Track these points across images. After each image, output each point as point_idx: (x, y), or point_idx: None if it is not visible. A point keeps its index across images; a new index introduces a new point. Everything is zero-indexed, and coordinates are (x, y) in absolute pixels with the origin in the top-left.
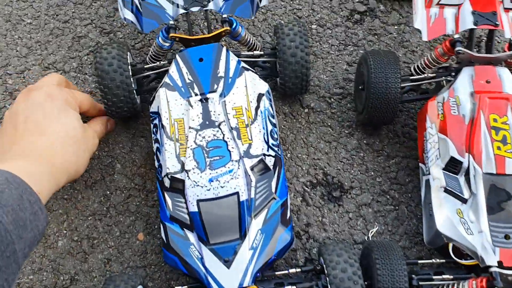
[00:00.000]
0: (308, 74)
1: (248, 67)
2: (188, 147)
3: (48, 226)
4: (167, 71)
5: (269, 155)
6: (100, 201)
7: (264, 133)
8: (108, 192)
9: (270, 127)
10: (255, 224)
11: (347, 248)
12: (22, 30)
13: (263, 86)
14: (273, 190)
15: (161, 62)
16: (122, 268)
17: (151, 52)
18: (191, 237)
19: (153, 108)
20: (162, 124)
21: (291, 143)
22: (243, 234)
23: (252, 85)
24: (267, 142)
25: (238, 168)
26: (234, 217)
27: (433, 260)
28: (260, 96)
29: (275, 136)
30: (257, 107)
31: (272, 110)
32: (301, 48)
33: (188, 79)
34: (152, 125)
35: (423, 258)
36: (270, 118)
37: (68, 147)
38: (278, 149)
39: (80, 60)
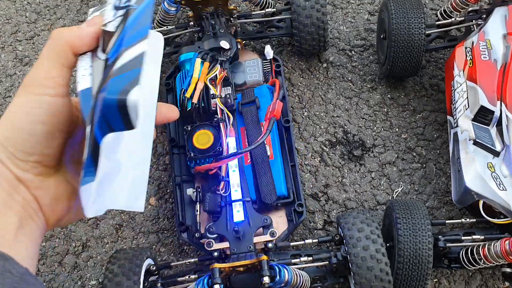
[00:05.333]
0: (326, 35)
1: None
2: None
3: None
4: (175, 37)
5: None
6: None
7: None
8: None
9: None
10: None
11: (369, 221)
12: None
13: None
14: None
15: (169, 27)
16: (134, 233)
17: (158, 18)
18: None
19: None
20: None
21: (309, 100)
22: None
23: None
24: None
25: None
26: None
27: (463, 220)
28: None
29: None
30: None
31: None
32: (317, 7)
33: None
34: None
35: (453, 218)
36: None
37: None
38: None
39: None
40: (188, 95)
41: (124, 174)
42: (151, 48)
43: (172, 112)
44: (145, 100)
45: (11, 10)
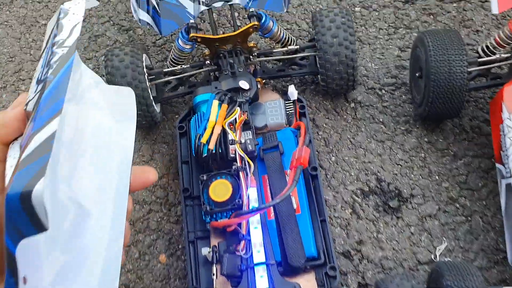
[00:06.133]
0: (355, 74)
1: None
2: None
3: None
4: (190, 76)
5: None
6: None
7: None
8: None
9: None
10: None
11: None
12: (36, 32)
13: None
14: None
15: (183, 66)
16: None
17: (171, 56)
18: None
19: None
20: None
21: (336, 144)
22: None
23: None
24: None
25: None
26: None
27: None
28: None
29: None
30: None
31: None
32: (345, 44)
33: None
34: None
35: (507, 281)
36: None
37: None
38: None
39: (97, 61)
40: (204, 140)
41: (93, 260)
42: (122, 106)
43: (148, 176)
44: (118, 169)
45: (15, 47)
